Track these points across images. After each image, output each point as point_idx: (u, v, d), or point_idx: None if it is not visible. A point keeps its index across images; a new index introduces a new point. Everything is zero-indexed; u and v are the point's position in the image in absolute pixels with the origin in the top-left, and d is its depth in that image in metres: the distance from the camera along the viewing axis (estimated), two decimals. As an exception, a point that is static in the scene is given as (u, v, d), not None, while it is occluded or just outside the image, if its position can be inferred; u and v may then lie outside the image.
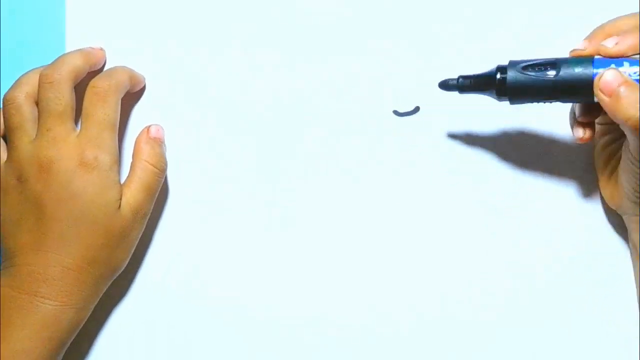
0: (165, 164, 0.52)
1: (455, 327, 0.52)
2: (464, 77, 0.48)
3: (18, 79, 0.50)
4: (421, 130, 0.53)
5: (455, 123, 0.53)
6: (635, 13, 0.45)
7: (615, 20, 0.45)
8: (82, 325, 0.50)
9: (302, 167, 0.53)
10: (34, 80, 0.49)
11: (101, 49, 0.53)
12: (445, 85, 0.49)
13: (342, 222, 0.53)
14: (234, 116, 0.54)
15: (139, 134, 0.52)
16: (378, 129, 0.53)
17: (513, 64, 0.45)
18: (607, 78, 0.43)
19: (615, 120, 0.43)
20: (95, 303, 0.50)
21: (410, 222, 0.52)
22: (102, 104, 0.49)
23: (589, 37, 0.46)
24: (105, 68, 0.53)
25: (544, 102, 0.46)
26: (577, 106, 0.47)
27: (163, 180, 0.52)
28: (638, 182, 0.45)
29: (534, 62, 0.45)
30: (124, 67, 0.52)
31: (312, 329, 0.52)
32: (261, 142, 0.53)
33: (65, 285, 0.48)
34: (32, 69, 0.51)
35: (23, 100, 0.49)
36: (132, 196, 0.49)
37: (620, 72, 0.43)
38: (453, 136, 0.53)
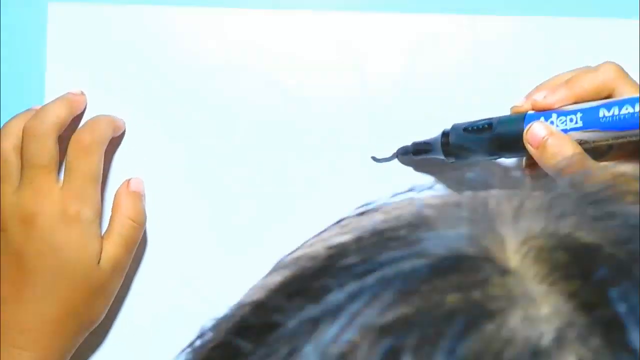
0: (145, 218, 0.52)
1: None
2: (416, 143, 0.52)
3: (3, 129, 0.50)
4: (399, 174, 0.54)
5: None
6: (572, 70, 0.47)
7: (552, 77, 0.48)
8: None
9: (285, 206, 0.54)
10: (18, 130, 0.50)
11: (82, 93, 0.53)
12: (404, 151, 0.53)
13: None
14: (215, 159, 0.54)
15: (119, 188, 0.52)
16: (357, 171, 0.54)
17: (455, 127, 0.49)
18: (533, 130, 0.45)
19: (546, 170, 0.45)
20: (72, 354, 0.50)
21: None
22: (85, 159, 0.49)
23: (527, 94, 0.47)
24: (86, 112, 0.54)
25: (489, 158, 0.48)
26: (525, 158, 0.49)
27: (142, 233, 0.52)
28: None
29: (473, 123, 0.48)
30: (106, 116, 0.52)
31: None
32: (244, 185, 0.54)
33: (43, 336, 0.48)
34: (16, 117, 0.51)
35: (10, 151, 0.49)
36: (111, 250, 0.50)
37: (546, 124, 0.45)
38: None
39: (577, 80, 0.45)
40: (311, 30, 0.55)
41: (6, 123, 0.51)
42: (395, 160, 0.54)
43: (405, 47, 0.54)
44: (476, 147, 0.48)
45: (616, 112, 0.42)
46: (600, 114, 0.43)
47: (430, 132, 0.51)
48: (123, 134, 0.54)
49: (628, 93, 0.44)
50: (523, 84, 0.49)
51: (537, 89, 0.47)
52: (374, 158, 0.54)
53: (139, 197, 0.52)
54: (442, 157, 0.50)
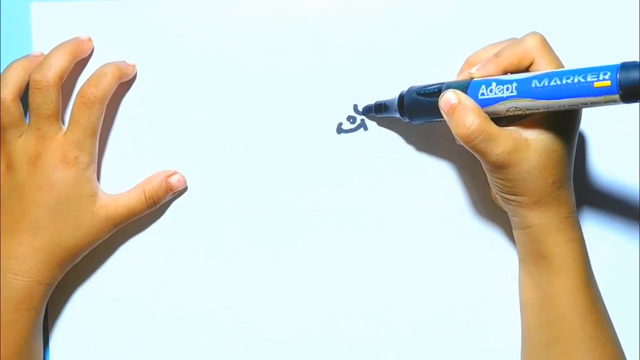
0: (158, 205, 0.56)
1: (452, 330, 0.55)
2: (378, 103, 0.55)
3: (2, 79, 0.53)
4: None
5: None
6: (494, 43, 0.51)
7: (477, 52, 0.51)
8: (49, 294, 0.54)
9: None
10: (16, 77, 0.53)
11: (89, 39, 0.55)
12: (367, 109, 0.56)
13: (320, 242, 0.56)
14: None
15: (162, 171, 0.56)
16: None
17: (410, 90, 0.52)
18: (445, 97, 0.48)
19: (454, 135, 0.48)
20: (56, 282, 0.55)
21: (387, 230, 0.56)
22: (87, 112, 0.53)
23: (459, 71, 0.52)
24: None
25: (439, 121, 0.50)
26: None
27: (149, 211, 0.56)
28: (495, 186, 0.50)
29: (424, 88, 0.51)
30: (113, 66, 0.54)
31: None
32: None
33: (35, 263, 0.53)
34: (14, 65, 0.54)
35: (10, 102, 0.53)
36: (114, 208, 0.54)
37: (457, 93, 0.48)
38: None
39: (503, 54, 0.49)
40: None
41: (4, 72, 0.53)
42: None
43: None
44: (427, 109, 0.50)
45: (546, 83, 0.45)
46: (532, 84, 0.46)
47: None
48: (134, 76, 0.56)
49: (545, 64, 0.47)
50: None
51: (467, 63, 0.51)
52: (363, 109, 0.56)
53: (170, 190, 0.56)
54: (399, 116, 0.53)
